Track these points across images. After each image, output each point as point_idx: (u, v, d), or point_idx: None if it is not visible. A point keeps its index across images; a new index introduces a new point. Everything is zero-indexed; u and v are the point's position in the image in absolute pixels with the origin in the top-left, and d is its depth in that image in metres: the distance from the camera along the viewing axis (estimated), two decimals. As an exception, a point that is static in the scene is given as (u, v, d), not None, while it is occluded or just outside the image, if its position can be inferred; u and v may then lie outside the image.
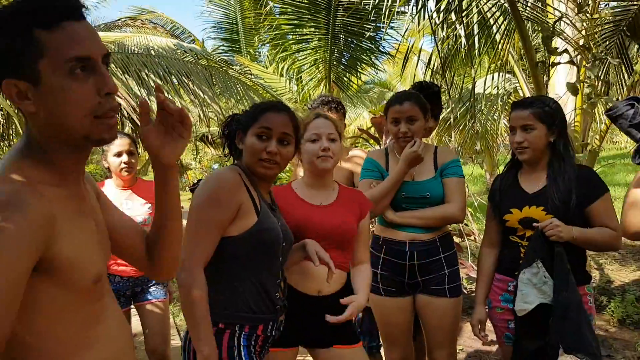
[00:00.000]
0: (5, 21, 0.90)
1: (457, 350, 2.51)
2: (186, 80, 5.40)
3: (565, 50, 3.28)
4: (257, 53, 11.97)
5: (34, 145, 0.97)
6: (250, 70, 8.95)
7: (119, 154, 2.62)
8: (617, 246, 2.09)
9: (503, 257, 2.21)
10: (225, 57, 7.18)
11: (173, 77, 5.22)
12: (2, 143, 5.62)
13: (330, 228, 1.91)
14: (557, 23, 3.62)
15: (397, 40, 6.67)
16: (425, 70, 4.37)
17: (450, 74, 4.93)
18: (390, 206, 2.33)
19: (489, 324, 2.28)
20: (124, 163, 2.63)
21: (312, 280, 1.90)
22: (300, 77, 8.58)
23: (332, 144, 1.95)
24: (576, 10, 3.41)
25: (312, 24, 6.94)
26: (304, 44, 7.53)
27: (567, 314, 1.87)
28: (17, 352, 0.89)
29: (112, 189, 2.70)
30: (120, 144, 2.61)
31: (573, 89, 3.27)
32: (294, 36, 7.50)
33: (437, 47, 3.88)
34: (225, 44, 11.08)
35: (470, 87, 6.53)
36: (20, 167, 0.93)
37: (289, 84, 9.65)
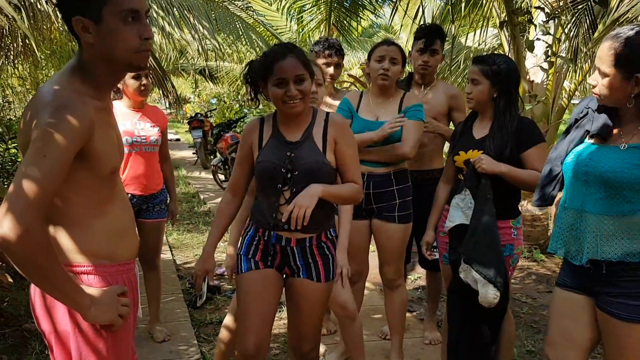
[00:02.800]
0: None
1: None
2: (187, 14, 5.56)
3: (528, 12, 3.53)
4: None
5: (84, 67, 1.33)
6: (252, 6, 9.01)
7: (137, 77, 2.91)
8: None
9: (452, 191, 2.57)
10: (226, -9, 7.21)
11: (175, 9, 5.38)
12: None
13: None
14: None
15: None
16: (418, 18, 4.56)
17: (448, 24, 5.12)
18: None
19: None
20: (143, 85, 2.94)
21: None
22: (302, 17, 8.66)
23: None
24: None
25: (315, -39, 6.94)
26: (305, -18, 7.55)
27: (474, 233, 2.24)
28: (49, 210, 1.27)
29: (123, 109, 2.98)
30: None
31: (530, 45, 3.56)
32: (297, -27, 7.50)
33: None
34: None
35: (464, 39, 6.75)
36: (72, 82, 1.31)
37: (290, 22, 9.74)
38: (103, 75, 1.35)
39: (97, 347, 1.35)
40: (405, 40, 11.58)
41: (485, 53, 6.30)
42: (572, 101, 5.50)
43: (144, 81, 2.93)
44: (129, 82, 2.89)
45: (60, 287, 1.24)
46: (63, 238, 1.32)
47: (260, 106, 13.47)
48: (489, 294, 2.20)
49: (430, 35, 2.98)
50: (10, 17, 3.25)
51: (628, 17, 3.38)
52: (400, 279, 2.83)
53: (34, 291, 1.38)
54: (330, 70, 3.11)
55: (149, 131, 3.00)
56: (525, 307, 3.80)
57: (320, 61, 3.07)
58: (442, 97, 3.06)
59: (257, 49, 6.93)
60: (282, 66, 1.89)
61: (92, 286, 1.33)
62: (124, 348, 1.43)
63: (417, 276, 4.41)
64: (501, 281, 2.20)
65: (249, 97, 2.13)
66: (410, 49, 3.22)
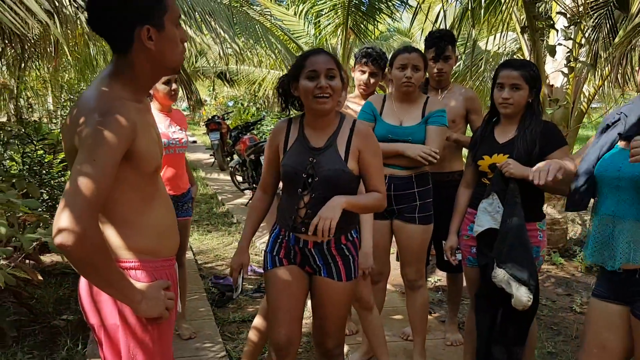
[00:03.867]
0: None
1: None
2: (208, 18, 5.65)
3: (549, 17, 3.56)
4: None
5: (125, 73, 1.40)
6: (270, 11, 9.11)
7: (168, 82, 3.00)
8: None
9: (475, 195, 2.61)
10: (246, -4, 7.32)
11: (196, 13, 5.47)
12: None
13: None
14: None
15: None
16: (438, 22, 4.61)
17: (467, 28, 5.15)
18: None
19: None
20: (173, 90, 3.04)
21: None
22: (319, 21, 8.73)
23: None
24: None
25: (333, -32, 7.02)
26: (324, -14, 7.62)
27: (506, 237, 2.27)
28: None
29: (156, 112, 3.07)
30: None
31: (551, 50, 3.59)
32: (316, -21, 7.57)
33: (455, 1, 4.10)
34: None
35: (483, 43, 6.76)
36: (113, 87, 1.38)
37: (307, 27, 9.82)
38: (146, 79, 1.43)
39: (144, 340, 1.41)
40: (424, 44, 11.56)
41: (504, 57, 6.33)
42: (591, 105, 5.50)
43: (174, 86, 3.02)
44: (160, 87, 2.98)
45: (114, 283, 1.30)
46: (111, 235, 1.39)
47: (276, 110, 13.48)
48: (522, 297, 2.22)
49: (440, 44, 3.04)
50: (43, 22, 3.35)
51: (650, 22, 3.38)
52: (421, 279, 2.87)
53: (83, 287, 1.45)
54: (364, 77, 3.15)
55: (179, 133, 3.10)
56: (545, 310, 3.81)
57: (357, 68, 3.15)
58: (459, 100, 3.11)
59: (276, 52, 7.02)
60: (315, 60, 1.97)
61: (139, 281, 1.40)
62: (167, 341, 1.50)
63: (437, 279, 4.44)
64: (534, 283, 2.24)
65: (281, 108, 2.18)
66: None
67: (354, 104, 3.18)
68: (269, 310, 2.17)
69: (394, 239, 2.90)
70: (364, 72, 3.15)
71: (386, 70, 3.08)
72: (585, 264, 4.71)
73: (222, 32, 5.71)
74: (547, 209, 4.91)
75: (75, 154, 1.27)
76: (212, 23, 5.62)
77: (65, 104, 6.96)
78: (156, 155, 1.46)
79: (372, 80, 3.16)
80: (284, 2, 11.61)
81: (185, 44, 1.49)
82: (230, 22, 5.96)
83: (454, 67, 3.24)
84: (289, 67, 2.21)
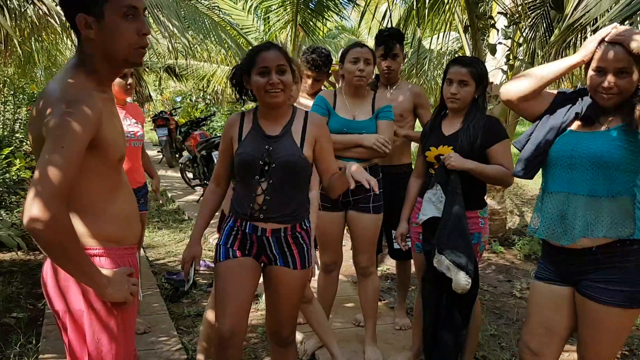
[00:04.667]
0: None
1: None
2: (156, 12, 5.58)
3: (490, 17, 3.77)
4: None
5: (87, 63, 1.44)
6: (218, 5, 9.05)
7: (124, 76, 2.98)
8: (507, 182, 2.62)
9: (425, 185, 2.74)
10: (194, -9, 7.23)
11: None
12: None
13: None
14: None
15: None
16: (384, 21, 4.78)
17: (412, 27, 5.33)
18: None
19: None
20: (128, 84, 3.03)
21: None
22: (268, 17, 8.75)
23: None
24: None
25: (281, -36, 7.05)
26: (272, -17, 7.65)
27: (446, 225, 2.42)
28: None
29: None
30: None
31: (492, 49, 3.82)
32: (263, -26, 7.58)
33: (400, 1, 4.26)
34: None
35: (427, 42, 6.99)
36: (77, 77, 1.41)
37: (256, 22, 9.82)
38: (103, 70, 1.45)
39: (108, 325, 1.45)
40: (370, 42, 11.80)
41: (447, 56, 6.60)
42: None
43: (130, 80, 3.01)
44: (115, 80, 2.97)
45: (82, 268, 1.34)
46: (77, 223, 1.42)
47: (227, 107, 13.39)
48: (461, 280, 2.36)
49: (389, 42, 3.19)
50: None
51: (582, 22, 3.62)
52: (373, 266, 3.01)
53: (48, 274, 1.47)
54: (309, 81, 3.29)
55: (135, 127, 3.09)
56: (488, 295, 4.04)
57: (303, 70, 3.25)
58: (407, 96, 3.27)
59: (226, 47, 7.01)
60: (265, 56, 2.02)
61: (103, 268, 1.44)
62: (130, 325, 1.55)
63: (387, 267, 4.61)
64: (472, 268, 2.37)
65: (235, 98, 2.24)
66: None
67: (303, 99, 3.28)
68: (216, 301, 2.17)
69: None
70: (308, 76, 3.26)
71: (338, 66, 3.17)
72: (523, 252, 4.99)
73: (170, 26, 5.66)
74: (487, 199, 5.16)
75: (42, 144, 1.30)
76: (160, 17, 5.57)
77: (7, 99, 6.70)
78: (121, 145, 1.50)
79: (316, 84, 3.30)
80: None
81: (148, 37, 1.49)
82: (179, 15, 5.91)
83: (401, 65, 3.39)
84: (239, 62, 2.25)
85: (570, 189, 1.90)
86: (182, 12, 6.14)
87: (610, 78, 1.79)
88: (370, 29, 10.62)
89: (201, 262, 4.19)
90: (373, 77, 3.23)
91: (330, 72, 3.33)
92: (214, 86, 13.17)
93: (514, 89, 2.03)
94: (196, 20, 6.59)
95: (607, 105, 1.85)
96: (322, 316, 2.81)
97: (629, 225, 1.81)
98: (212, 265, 4.34)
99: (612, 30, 1.82)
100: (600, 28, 2.97)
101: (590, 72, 1.85)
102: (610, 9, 3.22)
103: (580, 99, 1.98)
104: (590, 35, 3.44)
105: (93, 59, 1.43)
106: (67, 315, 1.45)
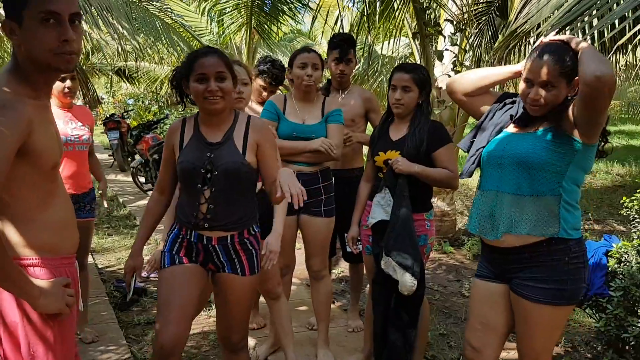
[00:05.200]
0: None
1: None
2: (105, 14, 5.45)
3: (437, 24, 3.89)
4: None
5: (19, 68, 1.41)
6: (170, 7, 8.91)
7: (62, 79, 2.90)
8: (453, 185, 2.71)
9: (374, 188, 2.77)
10: (146, -8, 7.10)
11: (93, 8, 5.27)
12: None
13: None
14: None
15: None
16: (337, 26, 4.84)
17: (364, 33, 5.41)
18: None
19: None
20: (67, 88, 2.94)
21: None
22: (222, 19, 8.68)
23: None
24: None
25: (235, -33, 7.02)
26: (226, -15, 7.59)
27: (394, 227, 2.48)
28: None
29: (54, 108, 2.98)
30: None
31: (439, 55, 3.93)
32: (217, -23, 7.52)
33: (352, 6, 4.32)
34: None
35: (379, 48, 7.12)
36: (9, 83, 1.38)
37: (210, 25, 9.73)
38: (34, 76, 1.42)
39: (44, 336, 1.42)
40: (326, 46, 11.88)
41: (398, 61, 6.73)
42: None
43: (68, 84, 2.93)
44: (55, 84, 2.89)
45: (11, 278, 1.30)
46: (10, 232, 1.39)
47: (180, 109, 13.20)
48: (407, 282, 2.42)
49: (343, 47, 3.23)
50: None
51: (525, 28, 3.75)
52: (325, 269, 3.04)
53: None
54: (263, 92, 3.31)
55: (80, 130, 3.01)
56: (437, 295, 4.14)
57: (257, 79, 3.26)
58: (358, 101, 3.32)
59: (178, 50, 6.91)
60: (203, 62, 1.98)
61: (39, 278, 1.40)
62: (69, 337, 1.52)
63: (340, 270, 4.65)
64: (418, 270, 2.43)
65: (176, 101, 2.22)
66: (325, 58, 3.45)
67: (255, 105, 3.28)
68: (158, 307, 2.11)
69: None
70: (264, 87, 3.28)
71: (287, 71, 3.18)
72: (472, 252, 5.14)
73: (120, 28, 5.54)
74: (437, 202, 5.30)
75: None
76: (110, 18, 5.44)
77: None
78: (54, 153, 1.46)
79: (271, 95, 3.31)
80: (186, -1, 11.40)
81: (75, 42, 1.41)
82: (129, 17, 5.79)
83: (354, 70, 3.44)
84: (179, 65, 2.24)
85: (500, 188, 1.97)
86: (133, 14, 6.01)
87: (536, 90, 1.86)
88: (324, 32, 10.72)
89: (153, 272, 4.12)
90: (325, 81, 3.28)
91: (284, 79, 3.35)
92: (167, 89, 12.96)
93: (458, 83, 2.17)
94: (147, 22, 6.46)
95: (535, 115, 1.93)
96: (287, 317, 2.80)
97: (554, 225, 1.88)
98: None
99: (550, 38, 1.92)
100: (543, 34, 3.12)
101: (521, 82, 1.93)
102: (552, 15, 3.35)
103: (519, 101, 2.06)
104: (533, 41, 3.59)
105: (24, 65, 1.41)
106: (2, 327, 1.41)
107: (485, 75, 2.11)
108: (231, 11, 8.07)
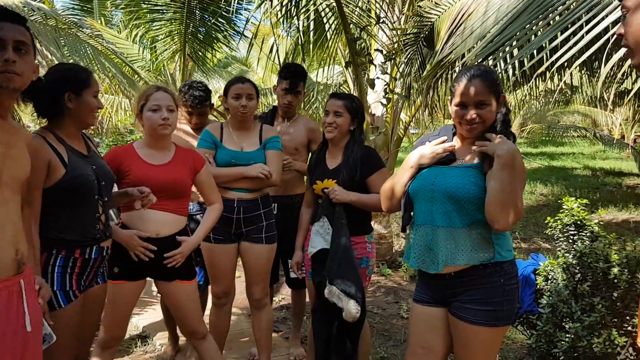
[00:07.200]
0: None
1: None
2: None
3: (368, 54, 4.04)
4: (111, 16, 11.56)
5: None
6: (101, 34, 8.70)
7: None
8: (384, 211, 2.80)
9: (314, 213, 2.81)
10: (75, 19, 6.90)
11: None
12: None
13: (165, 183, 2.39)
14: (376, 27, 4.37)
15: (255, 21, 7.06)
16: (272, 55, 4.92)
17: (299, 61, 5.52)
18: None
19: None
20: None
21: (150, 225, 2.38)
22: (155, 46, 8.56)
23: (171, 114, 2.42)
24: (387, 21, 4.19)
25: (168, -5, 6.99)
26: (158, 14, 7.50)
27: (335, 256, 2.52)
28: None
29: None
30: None
31: (371, 83, 4.09)
32: (149, 5, 7.45)
33: (287, 35, 4.42)
34: (77, 4, 10.51)
35: (314, 75, 7.25)
36: None
37: (143, 52, 9.56)
38: None
39: None
40: (262, 73, 11.97)
41: (333, 88, 6.89)
42: (410, 130, 6.20)
43: None
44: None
45: None
46: None
47: (112, 135, 12.65)
48: (352, 309, 2.44)
49: (294, 78, 3.29)
50: None
51: (451, 57, 3.94)
52: (266, 298, 3.02)
53: None
54: (189, 117, 3.33)
55: None
56: (377, 317, 4.20)
57: (183, 106, 3.26)
58: (302, 131, 3.38)
59: (110, 76, 6.77)
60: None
61: None
62: None
63: (282, 297, 4.63)
64: (360, 296, 2.47)
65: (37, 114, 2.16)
66: (274, 85, 3.50)
67: (188, 137, 3.30)
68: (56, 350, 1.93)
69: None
70: (190, 113, 3.29)
71: (221, 96, 3.19)
72: (409, 273, 5.26)
73: (49, 55, 5.37)
74: (374, 225, 5.41)
75: None
76: (38, 45, 5.27)
77: None
78: None
79: (201, 118, 3.33)
80: (116, 26, 11.19)
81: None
82: (58, 43, 5.63)
83: (300, 101, 3.51)
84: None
85: (433, 222, 2.00)
86: (62, 41, 5.84)
87: (471, 111, 1.97)
88: (259, 60, 10.83)
89: None
90: (267, 109, 3.31)
91: (213, 105, 3.36)
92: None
93: (387, 206, 2.26)
94: (78, 48, 6.29)
95: (473, 135, 2.02)
96: (217, 353, 2.74)
97: (488, 250, 1.95)
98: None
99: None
100: (467, 63, 3.30)
101: (454, 107, 2.02)
102: (476, 45, 3.55)
103: (441, 132, 2.17)
104: (458, 69, 3.79)
105: None
106: None
107: (391, 189, 2.18)
108: (164, 38, 7.98)
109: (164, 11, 7.44)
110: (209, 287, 3.08)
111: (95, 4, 10.64)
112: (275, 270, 3.34)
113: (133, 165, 2.40)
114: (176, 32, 7.63)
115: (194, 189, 2.59)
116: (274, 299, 4.39)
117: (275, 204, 3.22)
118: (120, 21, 10.86)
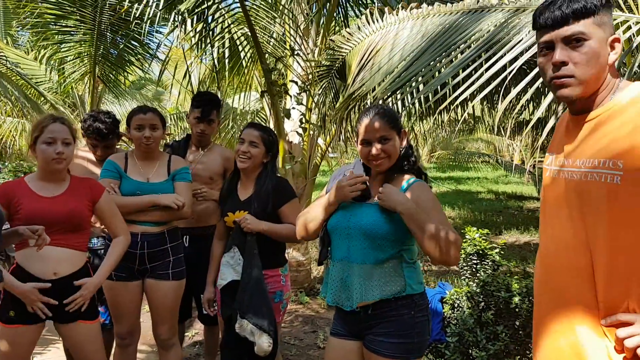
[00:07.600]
0: None
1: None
2: None
3: (284, 85, 4.08)
4: (18, 35, 10.93)
5: None
6: (5, 55, 8.19)
7: None
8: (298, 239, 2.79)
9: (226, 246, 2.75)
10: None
11: None
12: None
13: (60, 216, 2.24)
14: (291, 59, 4.41)
15: (168, 44, 6.92)
16: (186, 80, 4.82)
17: (214, 87, 5.44)
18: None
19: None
20: None
21: (47, 264, 2.22)
22: (63, 68, 8.17)
23: (67, 147, 2.29)
24: (302, 53, 4.25)
25: (77, 17, 6.72)
26: (67, 35, 7.20)
27: (246, 287, 2.47)
28: None
29: None
30: None
31: (287, 113, 4.12)
32: (57, 26, 7.13)
33: (201, 61, 4.34)
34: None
35: (230, 101, 7.20)
36: None
37: (50, 73, 9.08)
38: None
39: None
40: (177, 94, 11.73)
41: (250, 115, 6.88)
42: (330, 155, 6.26)
43: None
44: None
45: None
46: None
47: (14, 163, 11.95)
48: (264, 343, 2.39)
49: (207, 107, 3.19)
50: None
51: (362, 90, 4.04)
52: (174, 337, 2.89)
53: None
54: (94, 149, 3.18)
55: None
56: (294, 349, 4.14)
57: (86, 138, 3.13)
58: (217, 159, 3.29)
59: (13, 99, 6.35)
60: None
61: None
62: None
63: (195, 332, 4.46)
64: (273, 329, 2.43)
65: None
66: (187, 112, 3.41)
67: (93, 166, 3.13)
68: None
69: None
70: (95, 145, 3.15)
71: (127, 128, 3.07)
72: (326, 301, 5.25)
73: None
74: (292, 252, 5.39)
75: None
76: None
77: None
78: None
79: (107, 151, 3.18)
80: (22, 46, 10.57)
81: None
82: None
83: (215, 130, 3.42)
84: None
85: (349, 257, 2.04)
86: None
87: (377, 145, 2.03)
88: (172, 84, 10.61)
89: None
90: (185, 133, 3.21)
91: (121, 136, 3.23)
92: (1, 139, 11.69)
93: (302, 235, 2.25)
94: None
95: (382, 169, 2.08)
96: None
97: (399, 283, 1.99)
98: None
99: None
100: (377, 97, 3.39)
101: (359, 146, 2.08)
102: (384, 80, 3.66)
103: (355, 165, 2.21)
104: (369, 102, 3.88)
105: None
106: None
107: (310, 220, 2.19)
108: (73, 59, 7.64)
109: (74, 32, 7.15)
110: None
111: (0, 22, 10.01)
112: (187, 306, 3.22)
113: (24, 199, 2.24)
114: (86, 53, 7.34)
115: (99, 222, 2.47)
116: (186, 334, 4.23)
117: (187, 236, 3.12)
118: (28, 41, 10.27)
